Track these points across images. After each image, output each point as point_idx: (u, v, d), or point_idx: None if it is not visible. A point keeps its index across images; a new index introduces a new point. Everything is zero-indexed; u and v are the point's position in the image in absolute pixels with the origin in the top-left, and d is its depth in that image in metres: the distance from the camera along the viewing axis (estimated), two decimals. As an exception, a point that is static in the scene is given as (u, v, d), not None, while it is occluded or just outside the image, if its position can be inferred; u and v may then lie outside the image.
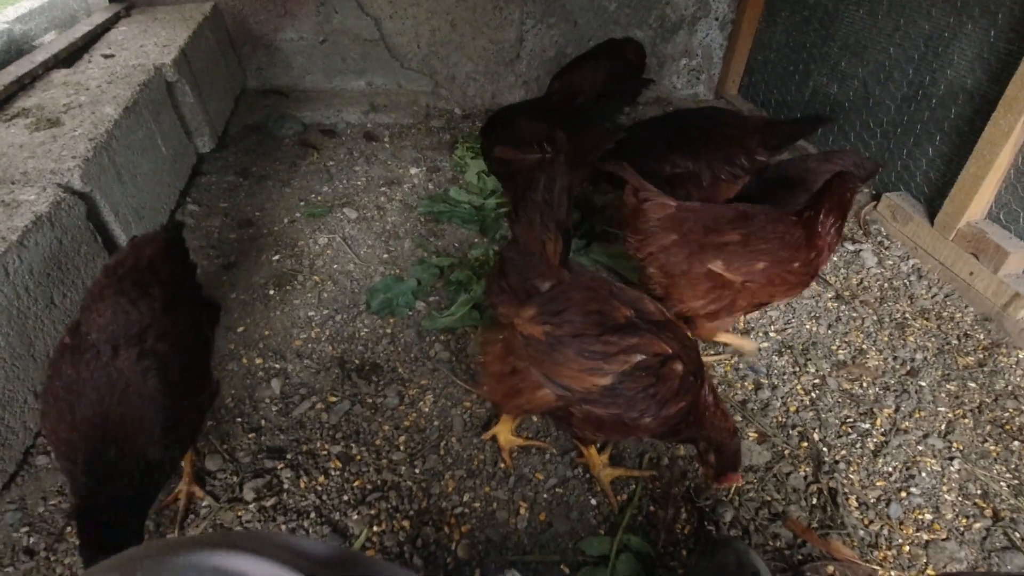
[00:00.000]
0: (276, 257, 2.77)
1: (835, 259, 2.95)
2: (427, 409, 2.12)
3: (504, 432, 1.95)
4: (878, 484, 1.91)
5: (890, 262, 2.94)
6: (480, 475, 1.91)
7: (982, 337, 2.51)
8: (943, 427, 2.12)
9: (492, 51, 4.24)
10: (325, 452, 1.95)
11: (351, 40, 4.06)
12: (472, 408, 2.12)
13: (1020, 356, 2.41)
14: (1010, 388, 2.29)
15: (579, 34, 4.23)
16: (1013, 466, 1.98)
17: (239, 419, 2.02)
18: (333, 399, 2.12)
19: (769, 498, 1.86)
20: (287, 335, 2.37)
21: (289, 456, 1.92)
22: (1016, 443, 2.07)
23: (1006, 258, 2.52)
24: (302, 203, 3.16)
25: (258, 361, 2.25)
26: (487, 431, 2.00)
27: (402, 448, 1.98)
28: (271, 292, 2.57)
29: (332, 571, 0.74)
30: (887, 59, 3.23)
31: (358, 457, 1.94)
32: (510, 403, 1.64)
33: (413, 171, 3.50)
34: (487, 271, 2.69)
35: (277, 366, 2.23)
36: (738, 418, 2.11)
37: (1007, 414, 2.17)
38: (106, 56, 2.82)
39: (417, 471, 1.91)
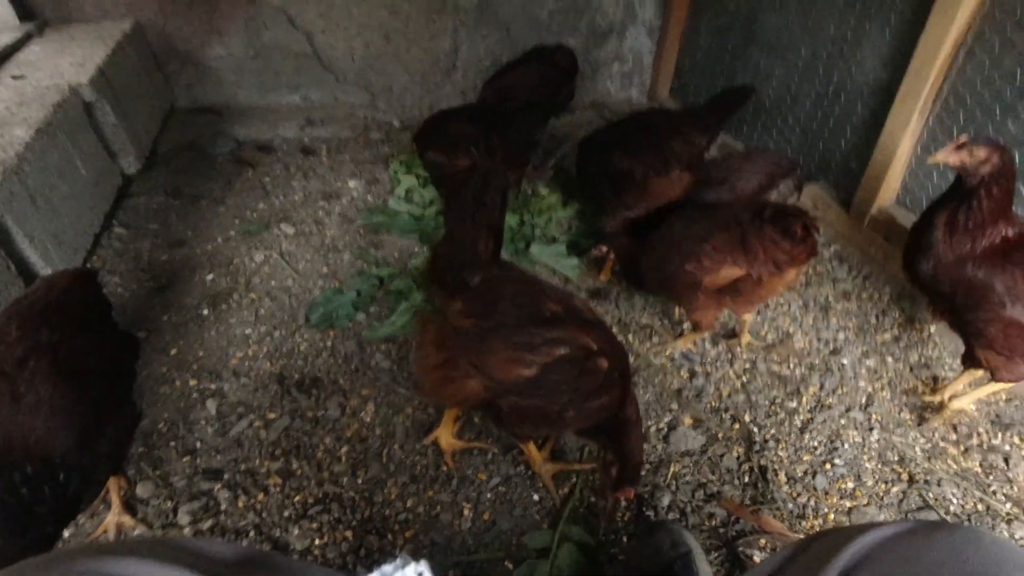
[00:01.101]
0: (210, 276, 2.71)
1: (763, 249, 3.08)
2: (369, 419, 2.11)
3: (446, 435, 1.96)
4: (805, 459, 2.01)
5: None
6: (423, 479, 1.91)
7: (898, 315, 2.67)
8: (863, 400, 2.25)
9: (428, 62, 4.27)
10: (264, 469, 1.92)
11: (283, 55, 4.02)
12: (414, 414, 2.13)
13: (931, 330, 2.58)
14: (923, 360, 2.45)
15: (513, 42, 4.31)
16: (926, 432, 2.12)
17: (172, 443, 1.97)
18: (272, 415, 2.09)
19: (704, 480, 1.93)
20: (223, 355, 2.32)
21: (227, 476, 1.88)
22: (928, 411, 2.21)
23: (914, 239, 2.70)
24: (237, 221, 3.10)
25: (192, 383, 2.19)
26: (429, 435, 2.01)
27: (344, 459, 1.97)
28: (205, 312, 2.51)
29: (239, 572, 0.74)
30: (800, 59, 3.42)
31: (299, 471, 1.92)
32: (441, 393, 1.64)
33: (352, 184, 3.49)
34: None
35: (213, 386, 2.18)
36: (674, 406, 2.18)
37: (920, 384, 2.32)
38: (15, 77, 2.71)
39: (359, 481, 1.90)
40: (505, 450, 2.00)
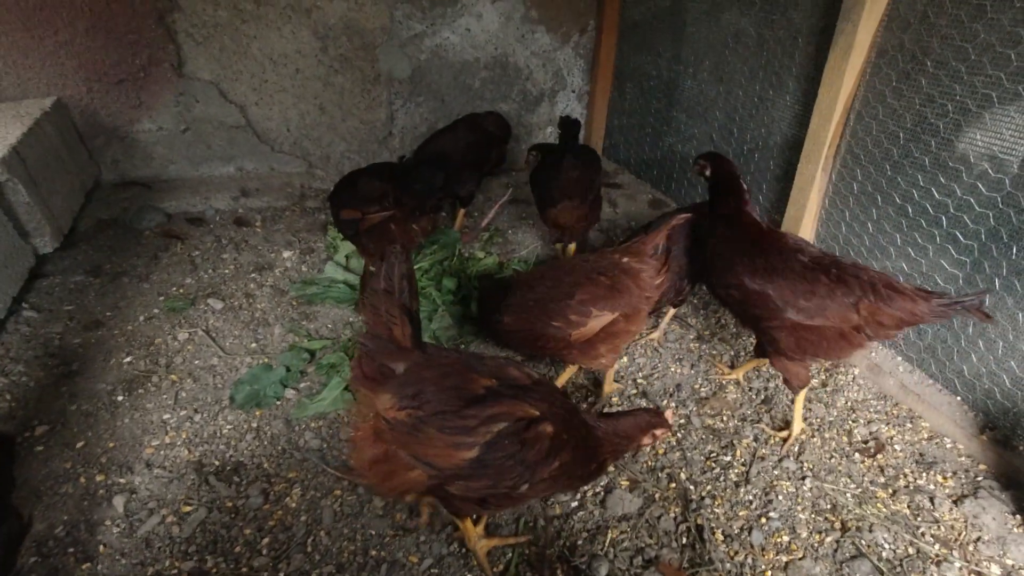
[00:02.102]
0: (127, 359, 2.57)
1: (695, 302, 3.18)
2: (294, 504, 1.99)
3: (474, 538, 1.81)
4: (741, 514, 2.01)
5: (742, 299, 3.21)
6: (350, 568, 1.80)
7: (824, 360, 2.76)
8: (796, 449, 2.29)
9: (364, 130, 4.34)
10: (175, 571, 1.77)
11: (215, 127, 4.01)
12: (343, 496, 2.02)
13: (855, 373, 2.68)
14: (849, 404, 2.53)
15: (448, 110, 4.45)
16: (856, 476, 2.16)
17: (71, 549, 1.80)
18: (187, 509, 1.95)
19: (642, 544, 1.90)
20: (136, 444, 2.18)
21: (131, 583, 1.72)
22: (857, 455, 2.26)
23: (830, 287, 2.84)
24: (161, 298, 2.99)
25: (99, 478, 2.03)
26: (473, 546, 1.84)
27: (265, 552, 1.84)
28: (119, 398, 2.37)
29: None
30: (717, 121, 3.65)
31: (214, 570, 1.78)
32: (385, 486, 1.60)
33: (286, 254, 3.43)
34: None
35: (122, 481, 2.03)
36: (610, 468, 2.16)
37: (847, 427, 2.39)
38: (-81, 161, 2.59)
39: (281, 575, 1.78)
40: (441, 527, 1.92)
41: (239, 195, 4.02)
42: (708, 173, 2.39)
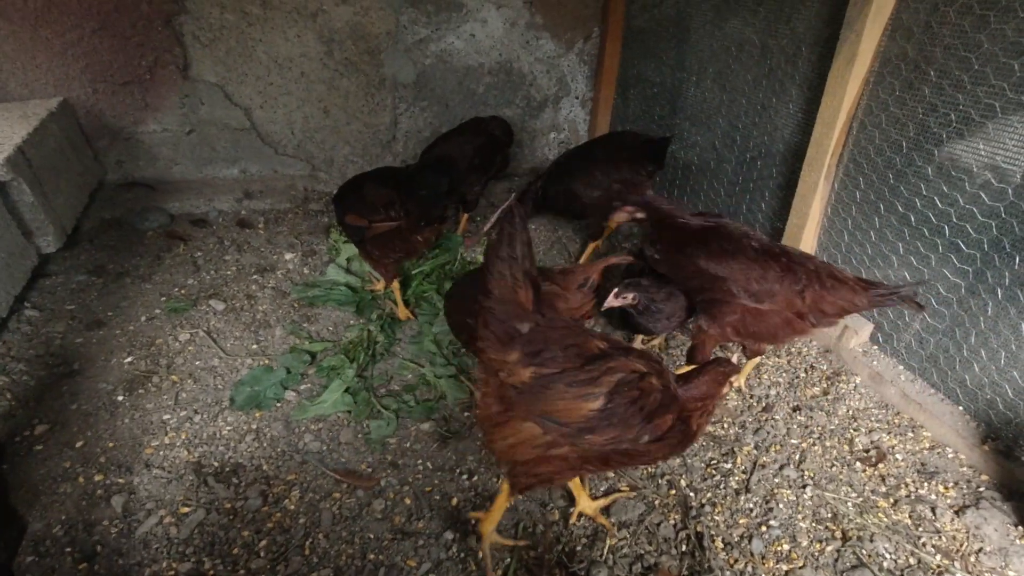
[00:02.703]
0: (128, 359, 2.57)
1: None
2: (293, 506, 1.99)
3: (585, 501, 1.94)
4: (741, 522, 2.00)
5: (744, 306, 3.20)
6: (348, 571, 1.79)
7: (825, 368, 2.76)
8: (797, 457, 2.28)
9: (368, 134, 4.36)
10: (172, 572, 1.76)
11: (220, 129, 4.03)
12: (342, 499, 2.02)
13: (857, 381, 2.67)
14: (851, 412, 2.51)
15: (452, 114, 4.46)
16: (857, 486, 2.15)
17: (68, 549, 1.80)
18: (185, 509, 1.94)
19: (642, 551, 1.89)
20: (135, 445, 2.17)
21: (127, 584, 1.72)
22: (858, 464, 2.25)
23: (832, 295, 2.83)
24: (163, 298, 2.99)
25: (98, 478, 2.03)
26: (572, 514, 1.95)
27: (263, 554, 1.83)
28: (119, 398, 2.37)
29: None
30: (720, 128, 3.66)
31: (211, 572, 1.77)
32: (510, 454, 1.64)
33: (288, 256, 3.44)
34: (364, 351, 2.65)
35: (121, 481, 2.03)
36: (611, 475, 2.15)
37: (849, 436, 2.38)
38: (-75, 159, 2.61)
39: (280, 578, 1.77)
40: (437, 533, 1.91)
41: (242, 197, 4.03)
42: (639, 216, 2.56)
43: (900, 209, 2.51)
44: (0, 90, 3.44)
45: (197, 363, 2.59)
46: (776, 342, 2.41)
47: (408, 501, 2.02)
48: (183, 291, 3.06)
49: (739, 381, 2.64)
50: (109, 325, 2.77)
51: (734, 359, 1.82)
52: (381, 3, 3.90)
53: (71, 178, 3.30)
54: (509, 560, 1.83)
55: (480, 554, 1.82)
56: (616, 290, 2.41)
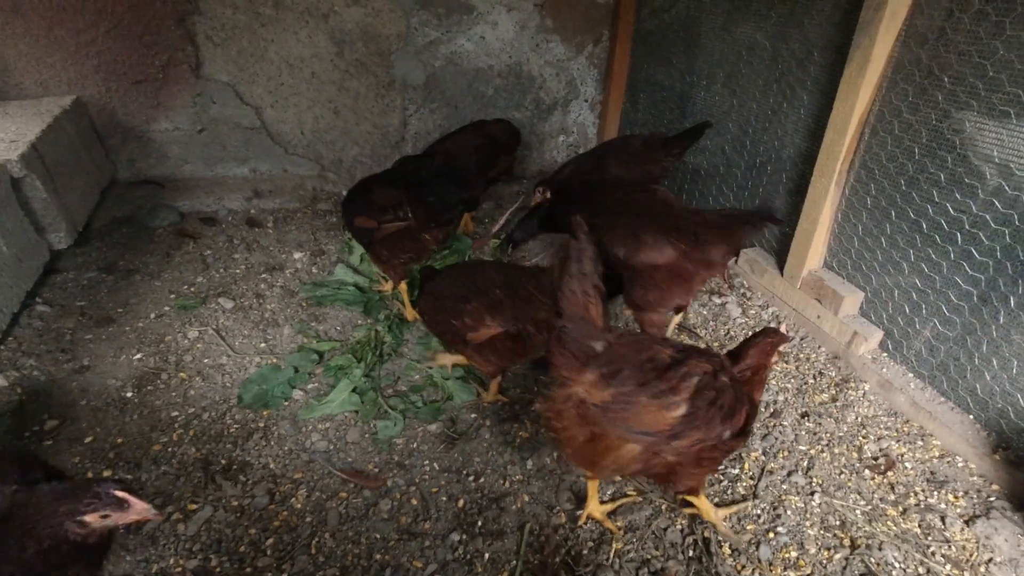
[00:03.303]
0: (138, 356, 2.59)
1: (704, 312, 3.17)
2: (299, 505, 1.99)
3: (594, 505, 1.95)
4: (748, 528, 1.99)
5: (752, 311, 3.20)
6: (354, 571, 1.79)
7: (834, 374, 2.74)
8: (805, 464, 2.26)
9: (377, 135, 4.37)
10: (179, 569, 1.77)
11: (231, 128, 4.05)
12: (349, 498, 2.02)
13: (866, 388, 2.65)
14: (859, 419, 2.50)
15: (461, 117, 4.47)
16: (866, 493, 2.13)
17: (76, 544, 1.80)
18: (193, 506, 1.95)
19: (648, 556, 1.88)
20: (144, 441, 2.19)
21: (135, 580, 1.73)
22: (867, 471, 2.23)
23: (842, 301, 2.82)
24: (173, 296, 3.01)
25: (106, 473, 2.04)
26: (581, 516, 1.97)
27: (269, 552, 1.84)
28: (129, 395, 2.38)
29: None
30: (730, 133, 3.65)
31: (218, 569, 1.78)
32: (598, 466, 1.66)
33: (297, 255, 3.45)
34: (372, 351, 2.66)
35: (129, 476, 2.04)
36: (617, 478, 2.14)
37: (857, 443, 2.36)
38: (-59, 155, 2.63)
39: (285, 575, 1.78)
40: (443, 534, 1.91)
41: (252, 196, 4.05)
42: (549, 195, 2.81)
43: (912, 216, 2.49)
44: (15, 88, 3.48)
45: (206, 360, 2.60)
46: (678, 299, 2.58)
47: (415, 502, 2.02)
48: (192, 289, 3.08)
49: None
50: (119, 322, 2.79)
51: (782, 328, 1.82)
52: (392, 5, 3.91)
53: (83, 175, 3.33)
54: (515, 563, 1.82)
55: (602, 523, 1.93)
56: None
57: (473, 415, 2.41)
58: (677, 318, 3.01)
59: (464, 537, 1.90)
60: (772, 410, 2.52)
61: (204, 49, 3.72)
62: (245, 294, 3.07)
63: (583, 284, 1.61)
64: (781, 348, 1.78)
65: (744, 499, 2.09)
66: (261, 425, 2.30)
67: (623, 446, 1.59)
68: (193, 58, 3.73)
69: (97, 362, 2.53)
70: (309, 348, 2.67)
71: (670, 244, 2.36)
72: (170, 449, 2.16)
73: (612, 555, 1.86)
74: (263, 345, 2.73)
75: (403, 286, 2.94)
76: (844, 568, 1.87)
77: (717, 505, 2.03)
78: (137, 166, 3.99)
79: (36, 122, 3.06)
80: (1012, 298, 2.17)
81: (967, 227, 2.28)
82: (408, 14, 3.98)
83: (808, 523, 2.01)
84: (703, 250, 2.36)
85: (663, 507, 2.04)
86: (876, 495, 2.13)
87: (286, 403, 2.40)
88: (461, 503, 2.03)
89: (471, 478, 2.13)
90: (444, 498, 2.05)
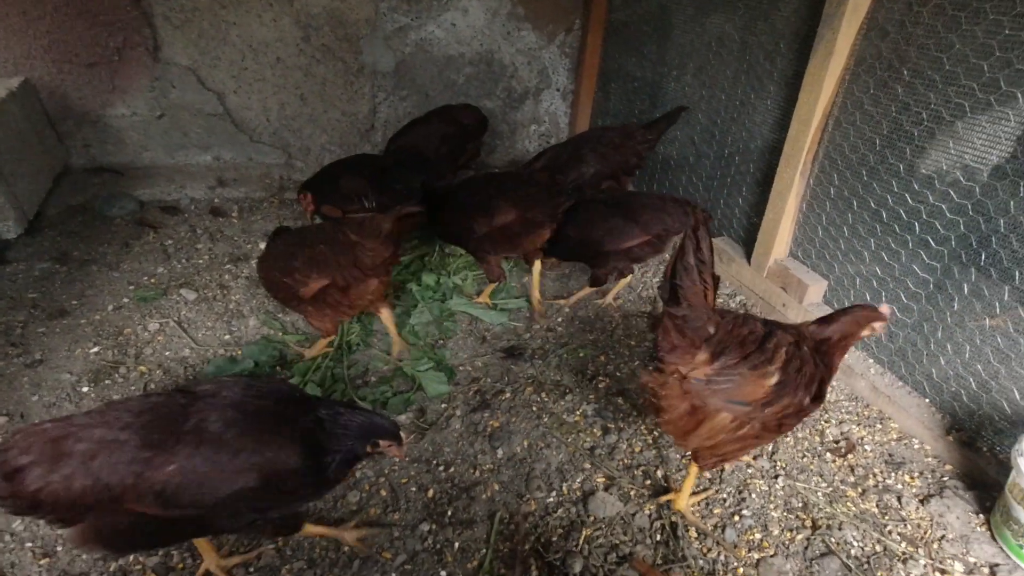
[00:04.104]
0: (95, 349, 2.50)
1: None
2: (265, 500, 1.95)
3: (683, 500, 1.99)
4: (715, 512, 2.02)
5: (720, 300, 3.24)
6: (322, 564, 1.77)
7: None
8: (769, 448, 2.31)
9: (345, 123, 4.29)
10: (139, 567, 1.72)
11: (192, 115, 3.92)
12: (316, 492, 1.99)
13: (828, 375, 2.72)
14: (822, 404, 2.56)
15: (431, 104, 4.40)
16: (827, 476, 2.19)
17: (29, 544, 1.74)
18: (153, 503, 1.89)
19: (617, 541, 1.90)
20: (101, 436, 2.11)
21: (92, 579, 1.67)
22: (828, 455, 2.30)
23: (806, 290, 2.88)
24: (132, 287, 2.91)
25: (61, 471, 1.96)
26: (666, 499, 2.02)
27: (233, 548, 1.79)
28: (85, 389, 2.29)
29: None
30: (699, 123, 3.68)
31: (180, 566, 1.73)
32: (691, 435, 1.76)
33: (263, 246, 3.36)
34: (336, 342, 2.61)
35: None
36: (587, 465, 2.16)
37: (820, 427, 2.42)
38: None
39: (251, 570, 1.74)
40: (413, 524, 1.90)
41: (216, 185, 3.93)
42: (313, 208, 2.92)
43: (872, 205, 2.55)
44: (-43, 68, 3.30)
45: (167, 353, 2.52)
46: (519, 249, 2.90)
47: (384, 493, 2.00)
48: (153, 280, 2.98)
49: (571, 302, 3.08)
50: (74, 314, 2.69)
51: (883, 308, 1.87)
52: (360, -11, 3.83)
53: (33, 161, 3.19)
54: (485, 551, 1.82)
55: (686, 522, 1.96)
56: None
57: (443, 405, 2.39)
58: (623, 281, 3.19)
59: (434, 527, 1.89)
60: (738, 396, 2.56)
61: (162, 31, 3.59)
62: (209, 285, 2.99)
63: (703, 272, 1.70)
64: (876, 324, 1.84)
65: (712, 485, 2.12)
66: (225, 418, 2.24)
67: (717, 416, 1.69)
68: (151, 40, 3.59)
69: (50, 356, 2.43)
70: (270, 340, 2.61)
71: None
72: (129, 444, 2.09)
73: (581, 541, 1.88)
74: (227, 337, 2.66)
75: (373, 276, 2.89)
76: (806, 548, 1.92)
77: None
78: (92, 152, 3.84)
79: (-20, 104, 2.91)
80: (966, 285, 2.24)
81: (924, 217, 2.35)
82: (377, -1, 3.90)
83: (772, 506, 2.06)
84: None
85: (631, 494, 2.06)
86: (837, 477, 2.19)
87: (251, 396, 2.34)
88: (431, 493, 2.02)
89: (441, 468, 2.12)
90: (414, 488, 2.03)
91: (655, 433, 2.33)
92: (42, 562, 1.71)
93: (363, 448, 1.59)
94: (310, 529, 1.76)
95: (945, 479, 2.19)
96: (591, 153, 3.42)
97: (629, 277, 3.19)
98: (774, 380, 1.66)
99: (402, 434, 1.66)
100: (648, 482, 2.11)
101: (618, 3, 4.28)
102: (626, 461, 2.20)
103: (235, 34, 3.73)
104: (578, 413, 2.39)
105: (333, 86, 4.12)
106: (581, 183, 3.34)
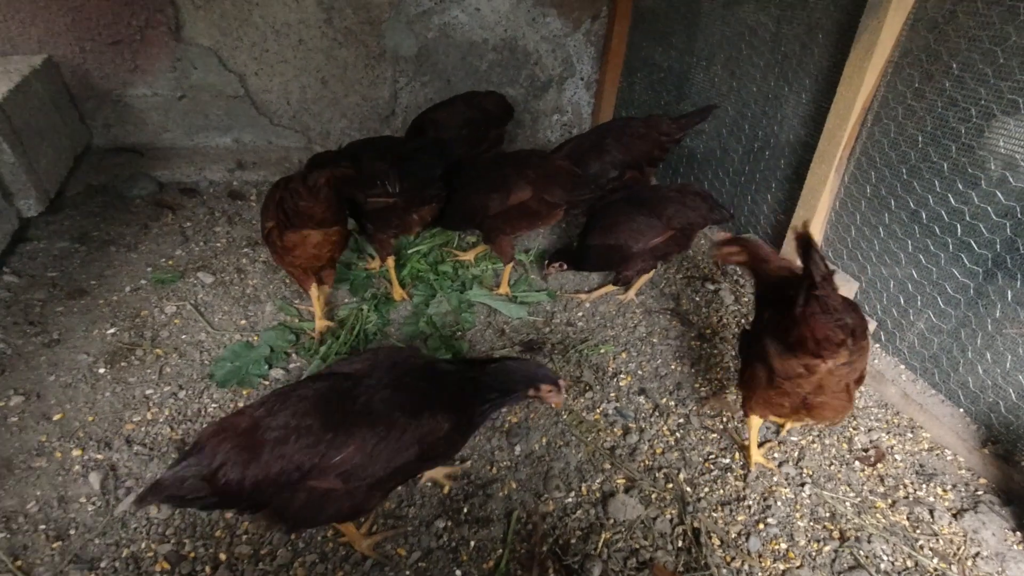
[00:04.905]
0: (112, 330, 2.48)
1: (697, 298, 3.12)
2: (279, 489, 1.92)
3: (756, 452, 2.13)
4: (739, 519, 1.96)
5: (745, 299, 3.15)
6: (334, 558, 1.74)
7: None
8: (796, 454, 2.24)
9: (366, 108, 4.23)
10: (151, 554, 1.70)
11: (213, 96, 3.89)
12: (330, 483, 1.95)
13: (856, 379, 2.63)
14: (850, 410, 2.47)
15: (453, 91, 4.32)
16: (855, 485, 2.12)
17: (42, 526, 1.72)
18: (167, 489, 1.87)
19: (637, 546, 1.84)
20: (116, 419, 2.09)
21: (104, 564, 1.65)
22: (857, 463, 2.22)
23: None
24: (150, 269, 2.89)
25: (76, 453, 1.95)
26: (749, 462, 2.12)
27: (245, 538, 1.77)
28: (101, 370, 2.28)
29: None
30: (728, 116, 3.57)
31: (192, 555, 1.71)
32: (811, 411, 1.86)
33: (281, 229, 3.33)
34: (343, 331, 2.58)
35: (100, 456, 1.95)
36: (607, 466, 2.10)
37: (847, 434, 2.34)
38: (-102, 112, 2.47)
39: (261, 565, 1.71)
40: (427, 521, 1.85)
41: (235, 167, 3.91)
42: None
43: (912, 205, 2.45)
44: (-19, 44, 3.29)
45: (183, 337, 2.50)
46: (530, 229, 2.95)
47: (400, 487, 1.96)
48: (171, 262, 2.96)
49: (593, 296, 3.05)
50: (92, 294, 2.68)
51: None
52: (384, -29, 3.76)
53: (55, 140, 3.17)
54: (501, 552, 1.78)
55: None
56: None
57: (460, 399, 2.35)
58: (645, 277, 3.12)
59: (449, 524, 1.85)
60: (763, 399, 2.49)
61: (184, 10, 3.55)
62: (226, 268, 2.96)
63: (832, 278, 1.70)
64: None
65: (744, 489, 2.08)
66: (240, 404, 2.21)
67: (840, 384, 1.80)
68: (173, 19, 3.55)
69: (68, 336, 2.42)
70: (287, 326, 2.58)
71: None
72: (144, 429, 2.08)
73: (600, 545, 1.83)
74: (243, 322, 2.63)
75: (391, 263, 2.85)
76: (833, 560, 1.85)
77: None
78: (114, 132, 3.82)
79: (3, 81, 2.89)
80: (1010, 292, 2.14)
81: (968, 218, 2.24)
82: (400, -19, 3.83)
83: (798, 515, 1.99)
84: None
85: (652, 496, 2.00)
86: (866, 487, 2.11)
87: (265, 382, 2.32)
88: (446, 489, 1.98)
89: (457, 463, 2.08)
90: (429, 484, 1.99)
91: (677, 434, 2.26)
92: (55, 545, 1.69)
93: (524, 392, 1.73)
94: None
95: (979, 493, 2.11)
96: (614, 143, 3.33)
97: (652, 272, 3.11)
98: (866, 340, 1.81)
99: (562, 384, 1.76)
100: (670, 485, 2.05)
101: (647, -10, 4.16)
102: (647, 463, 2.13)
103: (257, 15, 3.68)
104: (598, 411, 2.33)
105: (354, 70, 4.06)
106: (603, 174, 3.26)
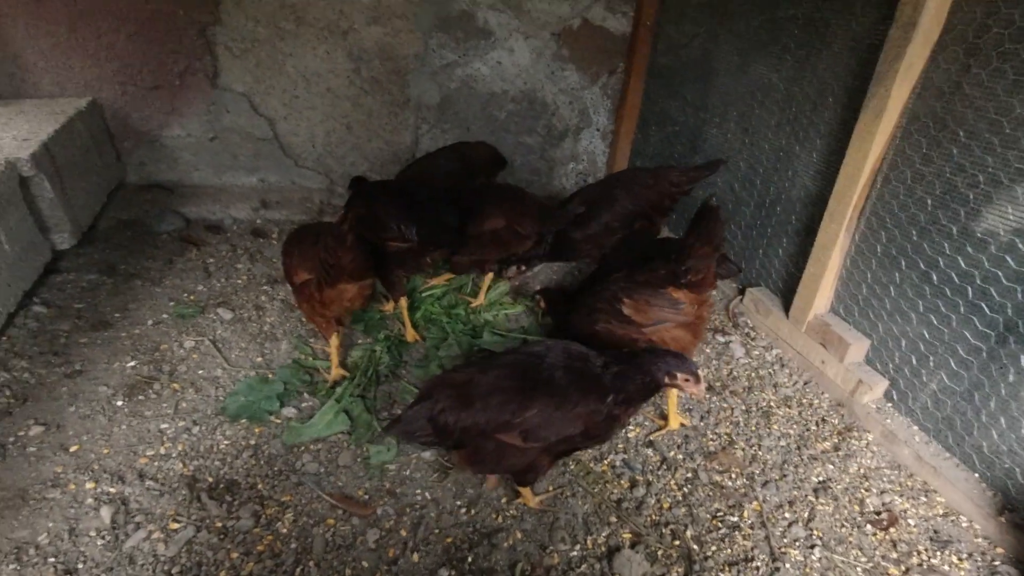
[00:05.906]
0: (131, 363, 2.55)
1: (707, 351, 3.13)
2: (285, 530, 1.93)
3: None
4: (746, 581, 1.93)
5: (756, 352, 3.16)
6: (337, 605, 1.73)
7: (836, 422, 2.69)
8: (806, 515, 2.20)
9: (388, 152, 4.38)
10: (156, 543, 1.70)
11: (243, 138, 4.06)
12: (336, 525, 1.96)
13: (869, 439, 2.60)
14: (862, 471, 2.44)
15: (473, 138, 4.46)
16: (867, 550, 2.07)
17: (52, 559, 1.74)
18: (175, 526, 1.89)
19: (642, 605, 1.81)
20: (130, 453, 2.13)
21: (109, 601, 1.66)
22: (869, 526, 2.17)
23: (848, 348, 2.78)
24: (172, 303, 2.98)
25: (89, 486, 1.99)
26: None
27: (250, 580, 1.77)
28: (119, 403, 2.33)
29: None
30: (740, 170, 3.65)
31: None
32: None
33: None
34: (359, 372, 2.62)
35: (112, 490, 1.98)
36: (613, 519, 2.09)
37: (859, 495, 2.30)
38: (-49, 150, 2.63)
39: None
40: (434, 568, 1.85)
41: (259, 206, 4.04)
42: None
43: (922, 266, 2.47)
44: (33, 87, 3.49)
45: (200, 372, 2.56)
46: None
47: (404, 532, 1.96)
48: (192, 297, 3.05)
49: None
50: (115, 327, 2.76)
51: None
52: (411, 26, 3.95)
53: (92, 177, 3.33)
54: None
55: None
56: None
57: (468, 444, 2.35)
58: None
59: (453, 573, 1.84)
60: (773, 455, 2.47)
61: (222, 59, 3.75)
62: (245, 305, 3.04)
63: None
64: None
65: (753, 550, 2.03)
66: (252, 442, 2.25)
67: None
68: (211, 67, 3.76)
69: (89, 367, 2.49)
70: (301, 363, 2.63)
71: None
72: (156, 463, 2.11)
73: (604, 602, 1.80)
74: (259, 359, 2.68)
75: (403, 304, 2.91)
76: (844, 629, 1.80)
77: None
78: (147, 170, 3.99)
79: (50, 122, 3.06)
80: (1022, 355, 2.13)
81: (978, 282, 2.25)
82: (427, 35, 4.02)
83: (807, 579, 1.95)
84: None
85: (658, 554, 1.98)
86: (878, 552, 2.07)
87: (276, 420, 2.35)
88: (451, 537, 1.97)
89: (463, 510, 2.08)
90: (436, 531, 1.99)
91: (685, 489, 2.25)
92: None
93: (662, 378, 1.86)
94: None
95: (996, 563, 2.05)
96: (624, 192, 3.41)
97: None
98: None
99: (700, 374, 1.88)
100: (677, 542, 2.03)
101: (662, 48, 4.32)
102: (654, 517, 2.12)
103: (291, 65, 3.88)
104: (605, 462, 2.33)
105: (379, 116, 4.23)
106: (612, 222, 3.35)
